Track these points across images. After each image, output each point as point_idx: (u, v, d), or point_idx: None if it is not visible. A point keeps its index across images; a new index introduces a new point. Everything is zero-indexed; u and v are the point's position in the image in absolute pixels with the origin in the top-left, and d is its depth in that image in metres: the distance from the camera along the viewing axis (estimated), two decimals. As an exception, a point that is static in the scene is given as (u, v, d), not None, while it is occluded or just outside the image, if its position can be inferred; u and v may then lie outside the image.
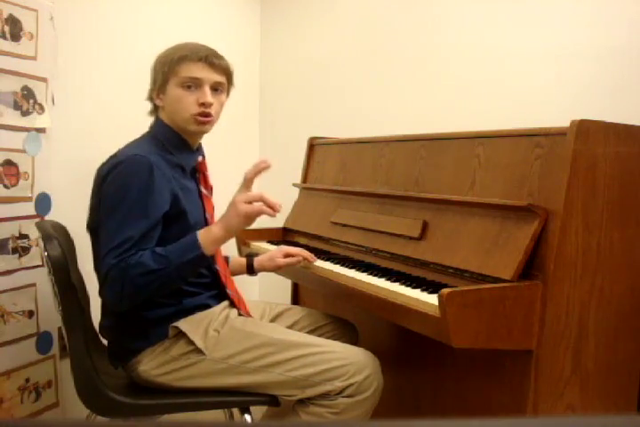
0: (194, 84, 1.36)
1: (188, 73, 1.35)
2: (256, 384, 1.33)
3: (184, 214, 1.35)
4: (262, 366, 1.32)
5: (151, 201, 1.27)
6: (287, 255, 1.67)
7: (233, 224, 1.25)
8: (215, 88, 1.39)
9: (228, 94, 1.46)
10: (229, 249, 1.72)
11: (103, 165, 1.35)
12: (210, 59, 1.36)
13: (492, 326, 1.17)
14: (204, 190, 1.47)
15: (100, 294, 1.30)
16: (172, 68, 1.36)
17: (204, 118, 1.38)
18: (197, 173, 1.48)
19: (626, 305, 1.32)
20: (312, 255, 1.67)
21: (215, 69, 1.38)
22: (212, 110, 1.39)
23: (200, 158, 1.48)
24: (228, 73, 1.42)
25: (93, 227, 1.35)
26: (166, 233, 1.31)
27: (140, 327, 1.35)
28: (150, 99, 1.45)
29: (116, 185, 1.27)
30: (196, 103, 1.36)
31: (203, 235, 1.25)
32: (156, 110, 1.46)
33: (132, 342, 1.35)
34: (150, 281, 1.21)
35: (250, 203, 1.25)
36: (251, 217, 1.25)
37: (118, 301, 1.23)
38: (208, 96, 1.36)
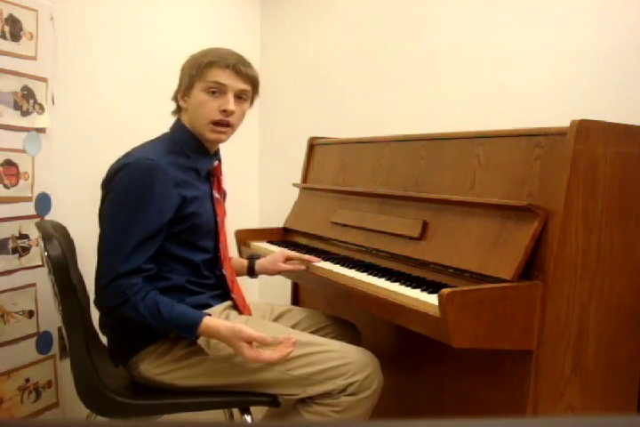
0: (219, 90, 1.37)
1: (214, 78, 1.36)
2: (258, 383, 1.33)
3: (192, 216, 1.36)
4: (265, 364, 1.32)
5: (152, 208, 1.27)
6: (288, 259, 1.67)
7: (233, 346, 1.25)
8: (239, 96, 1.40)
9: (252, 103, 1.47)
10: (230, 249, 1.71)
11: (116, 162, 1.35)
12: (237, 66, 1.37)
13: (492, 326, 1.17)
14: (216, 195, 1.48)
15: (95, 288, 1.31)
16: (200, 72, 1.37)
17: (222, 128, 1.39)
18: (212, 177, 1.48)
19: (626, 305, 1.32)
20: (313, 257, 1.67)
21: (241, 77, 1.39)
22: (233, 119, 1.40)
23: (216, 163, 1.49)
24: (253, 82, 1.43)
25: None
26: (174, 231, 1.33)
27: (141, 326, 1.35)
28: (175, 99, 1.46)
29: (120, 188, 1.29)
30: (217, 109, 1.37)
31: (206, 325, 1.25)
32: (178, 111, 1.47)
33: (133, 341, 1.36)
34: (138, 322, 1.27)
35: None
36: (248, 359, 1.24)
37: (104, 311, 1.31)
38: (231, 104, 1.37)
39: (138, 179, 1.28)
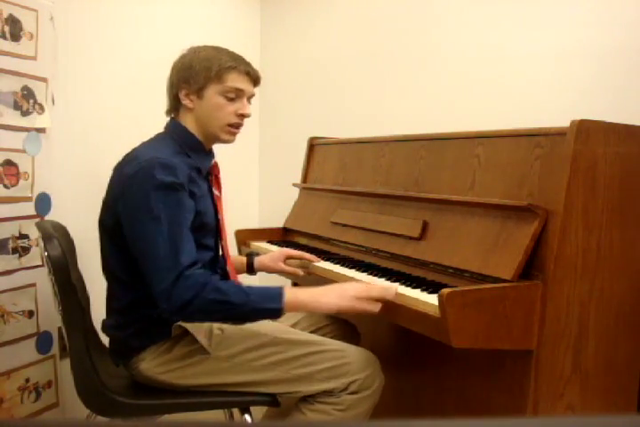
0: (236, 95, 1.39)
1: (235, 84, 1.38)
2: (260, 382, 1.34)
3: (199, 215, 1.35)
4: (266, 364, 1.33)
5: (185, 200, 1.27)
6: (289, 257, 1.68)
7: (326, 299, 1.24)
8: (249, 100, 1.44)
9: None
10: (230, 249, 1.72)
11: (123, 164, 1.32)
12: (254, 73, 1.42)
13: (492, 326, 1.17)
14: (216, 192, 1.48)
15: (157, 295, 1.22)
16: (219, 76, 1.36)
17: (237, 130, 1.43)
18: (210, 176, 1.48)
19: (626, 305, 1.32)
20: (314, 257, 1.68)
21: (253, 82, 1.43)
22: (244, 121, 1.44)
23: (213, 161, 1.49)
24: (258, 85, 1.47)
25: (108, 223, 1.34)
26: None
27: (143, 326, 1.35)
28: (174, 97, 1.42)
29: (146, 189, 1.23)
30: (234, 113, 1.39)
31: (289, 293, 1.24)
32: (176, 110, 1.44)
33: (135, 341, 1.36)
34: (219, 310, 1.21)
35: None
36: (353, 311, 1.25)
37: (177, 311, 1.20)
38: (248, 108, 1.42)
39: (162, 176, 1.24)
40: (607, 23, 1.60)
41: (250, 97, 1.44)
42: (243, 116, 1.41)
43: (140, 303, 1.34)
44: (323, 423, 0.57)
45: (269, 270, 1.69)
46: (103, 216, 1.37)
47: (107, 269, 1.38)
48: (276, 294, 1.24)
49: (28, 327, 1.79)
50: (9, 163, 1.70)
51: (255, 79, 1.43)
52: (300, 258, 1.68)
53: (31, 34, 1.74)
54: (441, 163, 1.57)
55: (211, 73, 1.36)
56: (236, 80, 1.38)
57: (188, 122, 1.41)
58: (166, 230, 1.22)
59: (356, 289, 1.27)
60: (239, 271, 1.67)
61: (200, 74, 1.36)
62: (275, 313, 1.24)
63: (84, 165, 2.03)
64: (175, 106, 1.43)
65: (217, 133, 1.41)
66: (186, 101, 1.40)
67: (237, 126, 1.42)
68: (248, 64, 1.42)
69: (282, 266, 1.65)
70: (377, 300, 1.27)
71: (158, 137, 1.42)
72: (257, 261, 1.68)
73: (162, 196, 1.23)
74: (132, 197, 1.25)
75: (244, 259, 1.70)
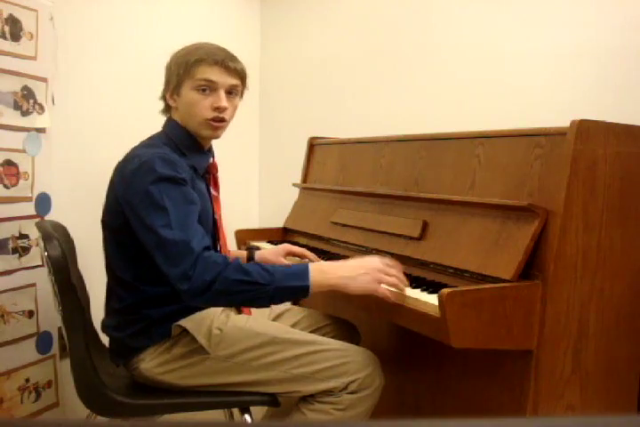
0: (209, 88, 1.36)
1: (204, 75, 1.35)
2: (259, 382, 1.34)
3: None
4: (266, 364, 1.33)
5: (189, 189, 1.28)
6: (290, 254, 1.68)
7: (355, 284, 1.22)
8: (229, 91, 1.39)
9: (241, 96, 1.46)
10: (230, 248, 1.72)
11: (124, 164, 1.32)
12: (226, 62, 1.36)
13: (492, 326, 1.17)
14: (213, 191, 1.48)
15: (175, 278, 1.18)
16: (188, 71, 1.35)
17: (217, 124, 1.38)
18: (207, 175, 1.48)
19: (626, 305, 1.32)
20: (315, 256, 1.68)
21: (230, 73, 1.37)
22: (226, 115, 1.39)
23: (211, 160, 1.48)
24: (242, 76, 1.42)
25: (111, 223, 1.35)
26: None
27: (142, 326, 1.35)
28: (163, 98, 1.44)
29: (150, 182, 1.23)
30: (210, 107, 1.36)
31: (315, 271, 1.22)
32: (168, 110, 1.45)
33: (134, 341, 1.36)
34: (243, 291, 1.18)
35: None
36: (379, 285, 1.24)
37: (199, 293, 1.17)
38: (223, 101, 1.36)
39: (162, 170, 1.24)
40: (607, 23, 1.60)
41: (229, 89, 1.38)
42: (219, 109, 1.36)
43: (141, 304, 1.34)
44: (323, 423, 0.57)
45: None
46: (105, 216, 1.37)
47: (109, 269, 1.39)
48: (302, 271, 1.21)
49: (28, 327, 1.79)
50: (9, 163, 1.70)
51: (228, 68, 1.36)
52: (301, 256, 1.68)
53: (31, 34, 1.74)
54: (441, 163, 1.57)
55: (181, 69, 1.36)
56: (205, 72, 1.35)
57: (178, 121, 1.42)
58: (174, 219, 1.21)
59: (380, 265, 1.26)
60: None
61: (174, 72, 1.38)
62: (302, 292, 1.21)
63: (84, 165, 2.03)
64: (167, 108, 1.45)
65: (197, 130, 1.39)
66: (170, 102, 1.42)
67: (217, 120, 1.38)
68: (225, 56, 1.37)
69: (282, 261, 1.65)
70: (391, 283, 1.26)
71: (155, 136, 1.43)
72: (258, 254, 1.68)
73: (164, 188, 1.24)
74: (135, 192, 1.25)
75: (243, 253, 1.70)
